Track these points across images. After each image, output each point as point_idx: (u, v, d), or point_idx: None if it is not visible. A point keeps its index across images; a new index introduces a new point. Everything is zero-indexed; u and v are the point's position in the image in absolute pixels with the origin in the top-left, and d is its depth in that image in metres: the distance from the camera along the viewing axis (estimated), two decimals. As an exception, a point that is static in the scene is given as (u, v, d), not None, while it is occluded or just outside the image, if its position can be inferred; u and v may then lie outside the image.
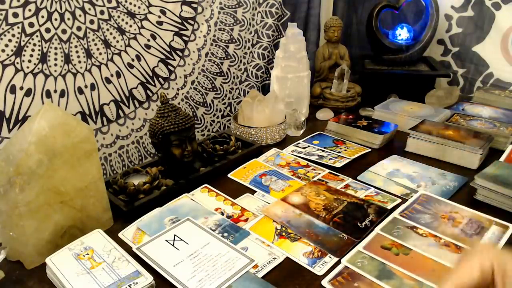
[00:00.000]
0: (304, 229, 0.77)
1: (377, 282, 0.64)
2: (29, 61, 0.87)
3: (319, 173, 0.96)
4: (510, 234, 0.73)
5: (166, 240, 0.73)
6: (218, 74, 1.28)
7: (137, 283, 0.62)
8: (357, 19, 1.67)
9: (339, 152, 1.06)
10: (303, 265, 0.69)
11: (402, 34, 1.49)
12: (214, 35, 1.22)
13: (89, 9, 0.93)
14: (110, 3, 0.97)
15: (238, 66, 1.32)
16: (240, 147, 1.05)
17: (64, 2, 0.89)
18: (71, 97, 0.95)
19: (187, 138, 0.91)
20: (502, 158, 0.97)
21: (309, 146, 1.11)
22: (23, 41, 0.85)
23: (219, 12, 1.21)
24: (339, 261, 0.69)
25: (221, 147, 1.01)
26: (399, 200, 0.86)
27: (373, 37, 1.47)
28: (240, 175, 0.97)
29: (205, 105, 1.28)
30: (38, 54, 0.88)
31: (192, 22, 1.15)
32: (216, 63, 1.26)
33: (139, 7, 1.02)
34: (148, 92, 1.11)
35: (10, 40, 0.83)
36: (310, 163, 1.02)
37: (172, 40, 1.12)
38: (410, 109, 1.26)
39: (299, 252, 0.72)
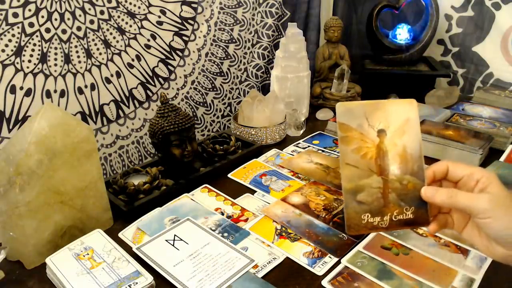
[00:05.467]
0: (304, 229, 0.77)
1: (377, 282, 0.64)
2: (29, 61, 0.87)
3: (319, 173, 0.96)
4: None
5: (166, 240, 0.73)
6: (218, 74, 1.28)
7: (137, 283, 0.62)
8: (357, 19, 1.67)
9: (339, 152, 1.06)
10: (303, 265, 0.69)
11: (402, 34, 1.48)
12: (214, 35, 1.22)
13: (89, 9, 0.93)
14: (110, 3, 0.97)
15: (238, 66, 1.32)
16: (240, 147, 1.05)
17: (64, 2, 0.89)
18: (71, 97, 0.95)
19: (187, 138, 0.91)
20: (502, 158, 0.97)
21: (309, 146, 1.11)
22: (23, 41, 0.85)
23: (219, 12, 1.21)
24: (339, 261, 0.69)
25: (221, 147, 1.01)
26: (399, 200, 0.86)
27: (373, 37, 1.47)
28: (240, 175, 0.97)
29: (205, 105, 1.27)
30: (38, 54, 0.87)
31: (192, 22, 1.15)
32: (216, 63, 1.26)
33: (139, 7, 1.02)
34: (148, 92, 1.11)
35: (10, 40, 0.83)
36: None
37: (172, 40, 1.12)
38: (410, 109, 1.26)
39: (299, 252, 0.72)
